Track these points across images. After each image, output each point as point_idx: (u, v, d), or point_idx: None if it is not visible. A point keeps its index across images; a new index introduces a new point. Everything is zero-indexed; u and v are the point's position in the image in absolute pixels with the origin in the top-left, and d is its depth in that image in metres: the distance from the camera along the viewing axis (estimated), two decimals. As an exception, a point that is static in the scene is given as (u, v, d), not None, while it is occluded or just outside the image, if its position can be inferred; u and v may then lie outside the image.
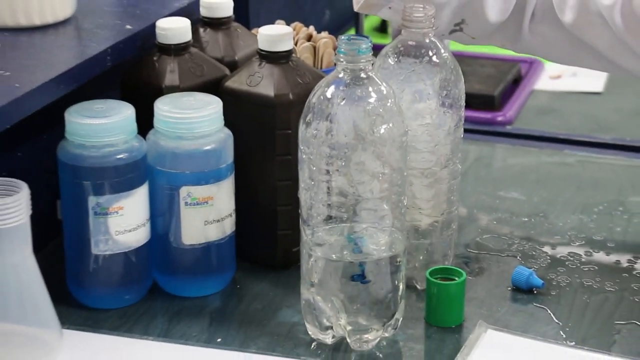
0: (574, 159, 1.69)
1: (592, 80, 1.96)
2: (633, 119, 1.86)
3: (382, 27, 2.21)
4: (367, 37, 1.19)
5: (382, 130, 1.17)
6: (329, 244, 1.20)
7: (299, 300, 1.25)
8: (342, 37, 1.18)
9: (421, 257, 1.33)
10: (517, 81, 1.91)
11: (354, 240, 1.20)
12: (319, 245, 1.21)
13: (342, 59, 1.17)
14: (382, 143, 1.17)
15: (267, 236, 1.38)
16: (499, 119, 1.78)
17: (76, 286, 1.32)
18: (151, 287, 1.35)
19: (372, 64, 1.18)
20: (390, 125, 1.18)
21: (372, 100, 1.17)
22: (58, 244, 1.33)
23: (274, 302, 1.33)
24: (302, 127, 1.19)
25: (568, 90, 1.94)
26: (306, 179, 1.20)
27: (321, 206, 1.19)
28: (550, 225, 1.49)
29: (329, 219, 1.19)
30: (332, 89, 1.18)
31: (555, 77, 1.98)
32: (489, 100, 1.78)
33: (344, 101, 1.17)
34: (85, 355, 1.23)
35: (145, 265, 1.32)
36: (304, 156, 1.19)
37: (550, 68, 2.00)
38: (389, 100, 1.18)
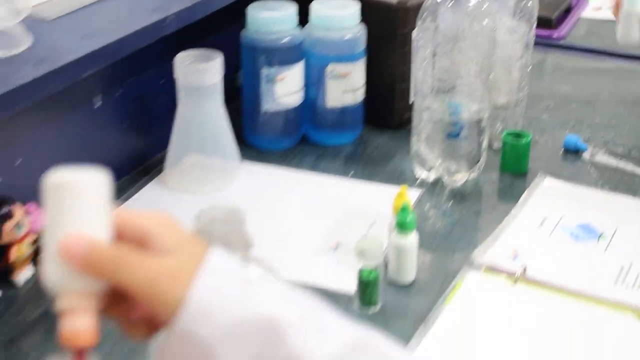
0: (612, 65, 1.68)
1: (625, 12, 1.94)
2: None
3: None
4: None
5: (477, 27, 1.20)
6: (434, 109, 1.23)
7: (409, 151, 1.29)
8: (451, -42, 1.20)
9: (498, 124, 1.35)
10: (568, 10, 1.90)
11: (452, 107, 1.22)
12: (427, 110, 1.24)
13: (451, -27, 1.20)
14: (476, 36, 1.20)
15: (387, 105, 1.40)
16: (555, 35, 1.78)
17: (250, 133, 1.37)
18: (302, 137, 1.39)
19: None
20: (484, 23, 1.20)
21: (471, 4, 1.20)
22: (236, 105, 1.37)
23: (391, 151, 1.36)
24: (418, 23, 1.22)
25: (606, 19, 1.92)
26: (419, 61, 1.23)
27: (429, 80, 1.22)
28: (593, 109, 1.49)
29: (435, 90, 1.22)
30: (442, -5, 1.21)
31: (597, 9, 1.96)
32: (548, 21, 1.78)
33: (450, 4, 1.20)
34: (256, 179, 1.28)
35: (299, 120, 1.36)
36: (419, 43, 1.23)
37: (594, 2, 1.99)
38: (484, 5, 1.20)
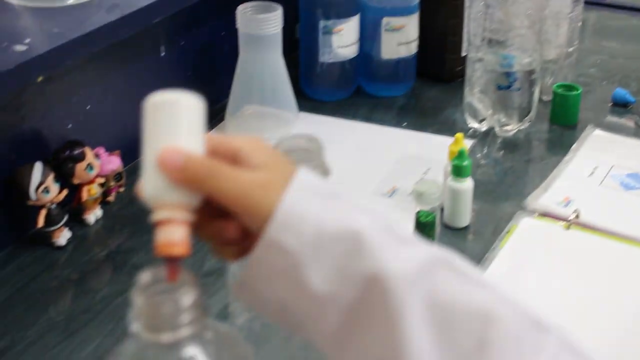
0: (657, 23, 1.65)
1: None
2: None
3: None
4: None
5: (531, -20, 1.19)
6: (487, 61, 1.22)
7: (461, 103, 1.28)
8: None
9: (548, 78, 1.34)
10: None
11: (505, 59, 1.21)
12: (480, 61, 1.23)
13: None
14: (530, -11, 1.19)
15: (439, 58, 1.40)
16: (601, -6, 1.77)
17: (307, 84, 1.36)
18: (357, 89, 1.38)
19: None
20: (537, -24, 1.19)
21: (524, -42, 1.19)
22: (294, 58, 1.36)
23: (442, 103, 1.35)
24: (472, -24, 1.22)
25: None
26: (473, 13, 1.22)
27: (483, 32, 1.21)
28: (639, 65, 1.47)
29: (488, 41, 1.21)
30: (496, -51, 1.19)
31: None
32: (594, -20, 1.76)
33: (504, -42, 1.19)
34: (313, 128, 1.27)
35: (354, 71, 1.36)
36: (473, -4, 1.22)
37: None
38: (537, -41, 1.20)
